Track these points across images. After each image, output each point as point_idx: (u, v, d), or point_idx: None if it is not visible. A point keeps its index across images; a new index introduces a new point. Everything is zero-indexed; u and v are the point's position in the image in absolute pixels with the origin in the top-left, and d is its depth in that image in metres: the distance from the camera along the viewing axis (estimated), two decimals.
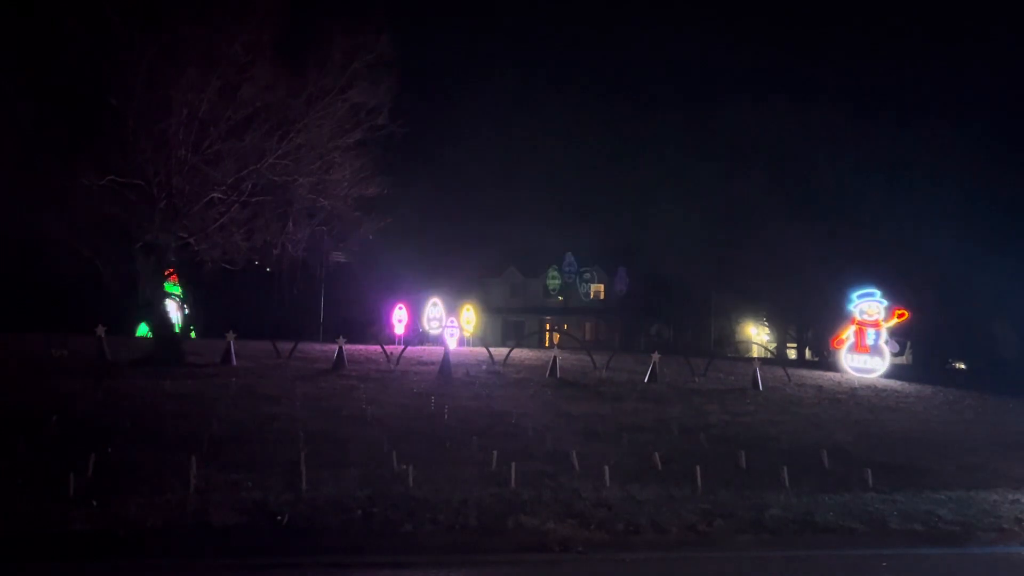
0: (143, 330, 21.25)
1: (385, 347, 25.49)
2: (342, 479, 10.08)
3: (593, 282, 51.68)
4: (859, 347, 26.01)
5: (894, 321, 25.59)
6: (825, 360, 36.83)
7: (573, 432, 14.11)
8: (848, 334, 26.43)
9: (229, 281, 25.92)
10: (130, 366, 19.78)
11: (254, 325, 23.62)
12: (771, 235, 43.72)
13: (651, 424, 15.33)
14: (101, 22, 18.40)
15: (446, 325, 32.41)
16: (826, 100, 67.55)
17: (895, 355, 28.45)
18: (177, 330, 22.87)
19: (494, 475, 10.59)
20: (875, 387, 23.82)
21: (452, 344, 28.73)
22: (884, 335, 25.73)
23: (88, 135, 19.02)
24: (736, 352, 48.60)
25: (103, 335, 21.30)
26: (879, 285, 26.47)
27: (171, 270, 21.82)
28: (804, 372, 28.52)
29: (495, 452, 11.35)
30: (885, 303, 25.83)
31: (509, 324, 50.06)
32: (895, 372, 27.56)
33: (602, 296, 51.42)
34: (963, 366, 47.31)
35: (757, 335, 53.00)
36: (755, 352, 44.32)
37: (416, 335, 34.36)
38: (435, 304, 36.92)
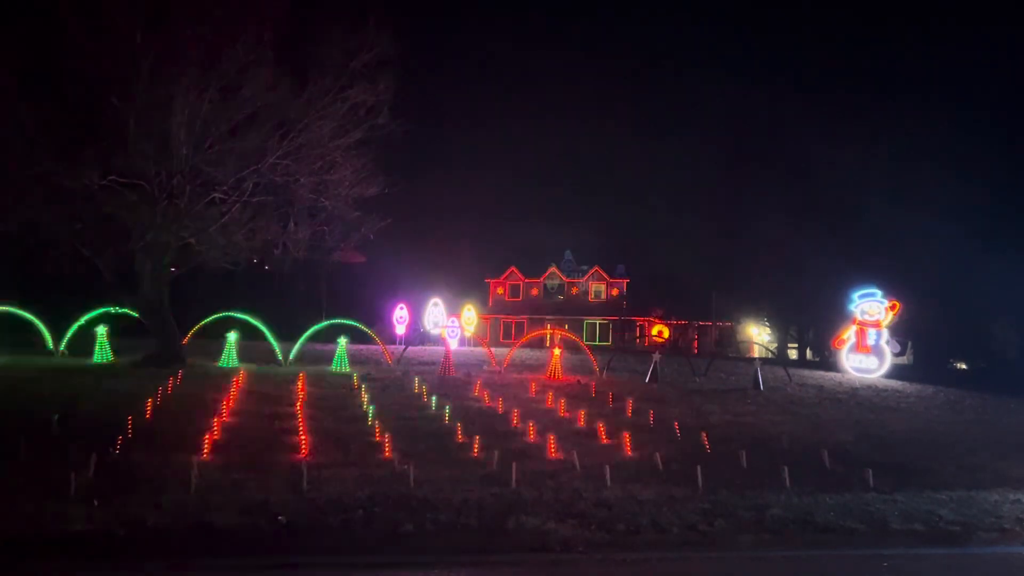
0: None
1: (386, 347, 25.46)
2: (343, 479, 10.10)
3: (594, 280, 51.66)
4: (860, 347, 25.98)
5: (888, 315, 25.54)
6: (826, 360, 36.77)
7: (574, 432, 14.12)
8: (849, 334, 26.39)
9: (229, 281, 25.94)
10: (131, 366, 19.85)
11: (254, 325, 23.54)
12: (772, 235, 43.76)
13: (652, 424, 15.33)
14: (103, 23, 18.43)
15: (447, 325, 32.42)
16: (827, 100, 67.63)
17: (896, 355, 28.39)
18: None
19: (495, 475, 10.60)
20: (876, 387, 23.82)
21: (453, 344, 28.73)
22: (885, 335, 25.70)
23: (90, 135, 19.00)
24: (737, 352, 48.58)
25: (105, 335, 21.40)
26: (880, 285, 26.43)
27: (174, 268, 21.83)
28: (805, 372, 28.52)
29: (496, 452, 11.36)
30: (886, 303, 25.80)
31: (510, 324, 50.07)
32: (896, 372, 27.54)
33: (603, 296, 51.42)
34: (964, 366, 47.25)
35: (758, 335, 52.92)
36: (756, 352, 44.31)
37: (417, 335, 34.36)
38: (436, 304, 36.94)
